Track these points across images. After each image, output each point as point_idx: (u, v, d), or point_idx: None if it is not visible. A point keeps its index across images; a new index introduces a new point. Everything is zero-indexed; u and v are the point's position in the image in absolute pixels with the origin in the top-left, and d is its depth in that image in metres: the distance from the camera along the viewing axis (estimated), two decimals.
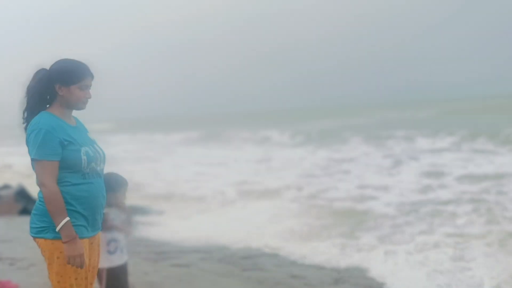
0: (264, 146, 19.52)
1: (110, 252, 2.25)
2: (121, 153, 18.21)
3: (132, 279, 4.13)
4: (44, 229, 2.04)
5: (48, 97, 2.13)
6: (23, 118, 2.17)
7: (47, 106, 2.14)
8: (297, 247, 5.46)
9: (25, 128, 2.16)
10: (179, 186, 10.95)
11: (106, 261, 2.23)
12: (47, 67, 2.16)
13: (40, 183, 2.02)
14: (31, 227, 2.09)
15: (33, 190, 8.24)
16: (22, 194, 7.93)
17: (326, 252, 5.22)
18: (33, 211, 2.08)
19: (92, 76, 2.19)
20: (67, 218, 2.01)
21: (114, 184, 2.31)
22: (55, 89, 2.11)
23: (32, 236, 2.09)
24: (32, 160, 2.02)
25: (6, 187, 8.58)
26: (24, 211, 7.35)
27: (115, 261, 2.30)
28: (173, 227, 7.08)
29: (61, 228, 1.98)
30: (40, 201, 2.07)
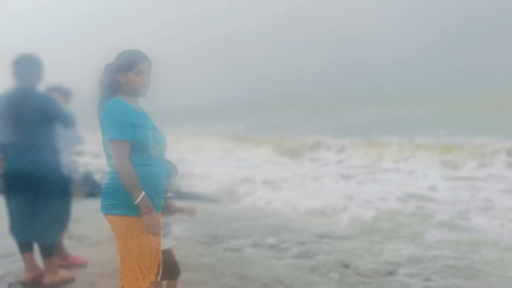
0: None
1: (164, 235, 2.41)
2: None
3: (188, 260, 4.37)
4: (114, 206, 2.21)
5: (114, 87, 2.31)
6: (98, 109, 2.36)
7: (113, 96, 2.31)
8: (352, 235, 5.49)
9: (99, 116, 2.37)
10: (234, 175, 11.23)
11: (162, 244, 2.39)
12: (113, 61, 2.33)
13: (116, 162, 2.17)
14: (102, 204, 2.27)
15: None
16: (88, 179, 8.49)
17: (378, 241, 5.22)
18: (104, 190, 2.26)
19: (147, 62, 2.32)
20: (143, 192, 2.17)
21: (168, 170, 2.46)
22: (116, 79, 2.29)
23: (103, 213, 2.27)
24: (109, 140, 2.17)
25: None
26: (90, 194, 7.87)
27: (166, 244, 2.46)
28: (226, 212, 7.30)
29: (139, 201, 2.15)
30: (111, 180, 2.24)
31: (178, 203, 2.49)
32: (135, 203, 2.15)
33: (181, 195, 9.15)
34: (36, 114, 3.31)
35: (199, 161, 13.98)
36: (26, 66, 3.36)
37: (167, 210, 2.41)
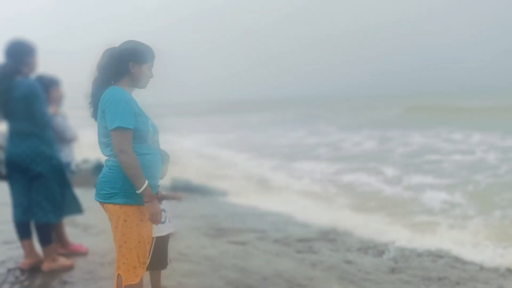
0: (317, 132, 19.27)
1: (161, 222, 2.38)
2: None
3: (189, 251, 4.36)
4: (113, 195, 2.19)
5: (121, 74, 2.27)
6: (91, 92, 2.35)
7: (112, 82, 2.28)
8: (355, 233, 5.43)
9: (92, 102, 2.35)
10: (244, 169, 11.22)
11: (156, 230, 2.35)
12: (114, 46, 2.30)
13: (120, 150, 2.13)
14: (99, 193, 2.24)
15: None
16: (99, 168, 8.56)
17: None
18: (101, 179, 2.23)
19: (155, 58, 2.35)
20: (147, 181, 2.16)
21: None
22: (127, 66, 2.25)
23: (100, 201, 2.25)
24: (115, 128, 2.12)
25: (85, 161, 9.31)
26: None
27: (164, 230, 2.42)
28: (235, 207, 7.29)
29: (143, 190, 2.14)
30: (110, 169, 2.22)
31: (164, 191, 2.45)
32: (139, 192, 2.13)
33: (191, 188, 9.20)
34: (21, 101, 3.28)
35: None
36: (12, 51, 3.32)
37: (160, 195, 2.39)
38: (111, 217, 2.25)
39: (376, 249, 4.86)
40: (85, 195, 6.90)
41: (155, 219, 2.18)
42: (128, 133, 2.14)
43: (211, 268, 3.85)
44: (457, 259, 4.45)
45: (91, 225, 5.09)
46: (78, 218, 5.26)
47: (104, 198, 2.23)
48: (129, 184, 2.17)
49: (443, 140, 14.59)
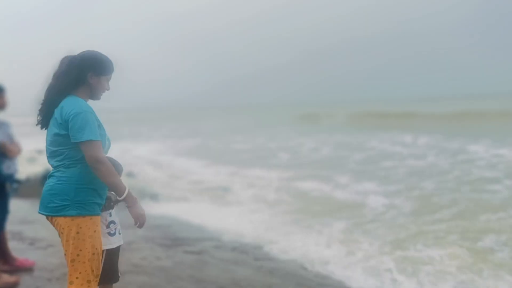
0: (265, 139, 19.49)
1: (110, 234, 2.31)
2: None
3: (144, 263, 4.24)
4: (65, 207, 2.13)
5: (79, 84, 2.22)
6: (44, 99, 2.26)
7: (68, 91, 2.22)
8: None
9: (42, 109, 2.25)
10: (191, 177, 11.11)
11: (106, 243, 2.28)
12: (74, 54, 2.24)
13: (96, 161, 2.09)
14: (47, 207, 2.16)
15: None
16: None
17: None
18: (48, 191, 2.14)
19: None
20: (127, 186, 2.18)
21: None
22: (86, 76, 2.22)
23: (49, 215, 2.17)
24: (86, 141, 2.09)
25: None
26: None
27: (115, 242, 2.35)
28: (190, 215, 7.18)
29: (126, 195, 2.15)
30: (59, 180, 2.14)
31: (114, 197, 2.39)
32: (121, 198, 2.14)
33: (146, 197, 8.99)
34: None
35: None
36: None
37: (108, 205, 2.31)
38: (62, 230, 2.17)
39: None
40: (32, 207, 6.59)
41: (141, 221, 2.20)
42: (99, 144, 2.14)
43: (166, 280, 3.76)
44: None
45: (38, 239, 4.84)
46: (25, 231, 5.01)
47: (54, 211, 2.16)
48: (81, 195, 2.13)
49: (394, 144, 15.12)
